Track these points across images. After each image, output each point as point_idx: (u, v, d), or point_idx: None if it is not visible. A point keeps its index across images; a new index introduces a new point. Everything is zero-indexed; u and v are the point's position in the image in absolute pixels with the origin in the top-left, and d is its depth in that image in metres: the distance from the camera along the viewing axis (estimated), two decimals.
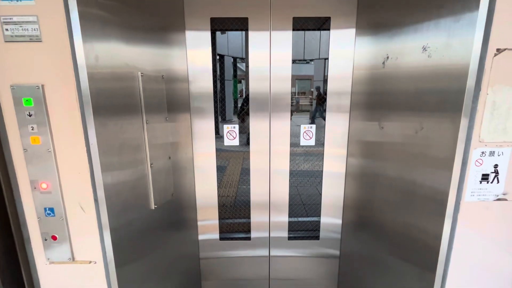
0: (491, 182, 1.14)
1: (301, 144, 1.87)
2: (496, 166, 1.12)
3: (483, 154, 1.10)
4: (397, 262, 1.46)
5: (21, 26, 1.06)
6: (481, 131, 1.08)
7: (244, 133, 1.91)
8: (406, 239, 1.38)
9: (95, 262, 1.27)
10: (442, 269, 1.21)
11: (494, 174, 1.13)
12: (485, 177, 1.13)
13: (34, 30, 1.06)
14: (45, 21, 1.06)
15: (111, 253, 1.22)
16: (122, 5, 1.20)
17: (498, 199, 1.16)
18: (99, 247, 1.25)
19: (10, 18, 1.06)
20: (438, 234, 1.18)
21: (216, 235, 2.01)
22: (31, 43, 1.07)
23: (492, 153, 1.10)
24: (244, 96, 1.84)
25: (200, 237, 2.00)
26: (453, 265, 1.21)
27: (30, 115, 1.12)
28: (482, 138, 1.09)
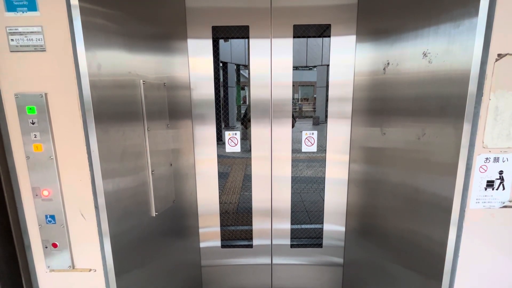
0: (497, 189, 1.11)
1: (303, 150, 1.86)
2: (501, 172, 1.10)
3: (487, 160, 1.08)
4: (402, 271, 1.42)
5: (26, 37, 1.09)
6: (485, 137, 1.07)
7: (246, 139, 1.91)
8: (410, 247, 1.35)
9: (95, 270, 1.27)
10: (448, 279, 1.18)
11: (499, 181, 1.11)
12: (490, 184, 1.11)
13: (39, 40, 1.09)
14: (49, 31, 1.08)
15: (111, 261, 1.21)
16: (124, 14, 1.23)
17: (504, 206, 1.13)
18: (99, 255, 1.25)
19: (16, 29, 1.08)
20: (443, 242, 1.15)
21: (218, 243, 1.99)
22: (35, 52, 1.10)
23: (496, 159, 1.08)
24: (247, 102, 1.85)
25: (202, 244, 1.98)
26: (460, 274, 1.18)
27: (33, 123, 1.14)
28: (486, 144, 1.07)
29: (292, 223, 1.95)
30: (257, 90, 1.75)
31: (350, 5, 1.62)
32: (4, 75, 1.12)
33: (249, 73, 1.76)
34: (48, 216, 1.21)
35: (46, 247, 1.24)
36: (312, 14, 1.64)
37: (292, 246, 1.98)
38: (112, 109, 1.18)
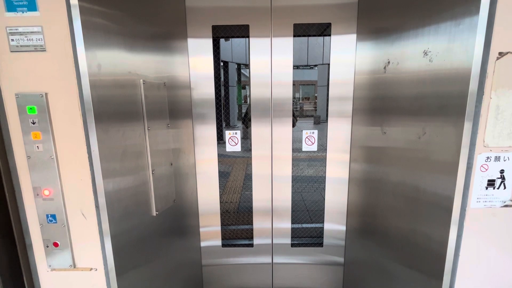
0: (498, 188, 1.11)
1: (303, 149, 1.86)
2: (502, 171, 1.09)
3: (488, 159, 1.08)
4: (403, 270, 1.42)
5: (26, 37, 1.09)
6: (486, 136, 1.06)
7: (247, 138, 1.91)
8: (411, 246, 1.35)
9: (96, 269, 1.27)
10: (449, 278, 1.18)
11: (500, 180, 1.10)
12: (491, 183, 1.10)
13: (39, 40, 1.09)
14: (49, 31, 1.08)
15: (112, 260, 1.21)
16: (124, 14, 1.23)
17: (506, 206, 1.12)
18: (100, 254, 1.25)
19: (16, 29, 1.09)
20: (444, 242, 1.15)
21: (219, 242, 1.99)
22: (35, 52, 1.10)
23: (497, 158, 1.08)
24: (248, 102, 1.85)
25: (202, 243, 1.98)
26: (460, 273, 1.17)
27: (33, 123, 1.14)
28: (487, 143, 1.07)
29: (292, 222, 1.95)
30: (258, 89, 1.75)
31: (350, 3, 1.61)
32: (4, 75, 1.12)
33: (249, 72, 1.76)
34: (49, 215, 1.22)
35: (47, 247, 1.25)
36: (312, 13, 1.63)
37: (292, 245, 1.99)
38: (112, 108, 1.18)
